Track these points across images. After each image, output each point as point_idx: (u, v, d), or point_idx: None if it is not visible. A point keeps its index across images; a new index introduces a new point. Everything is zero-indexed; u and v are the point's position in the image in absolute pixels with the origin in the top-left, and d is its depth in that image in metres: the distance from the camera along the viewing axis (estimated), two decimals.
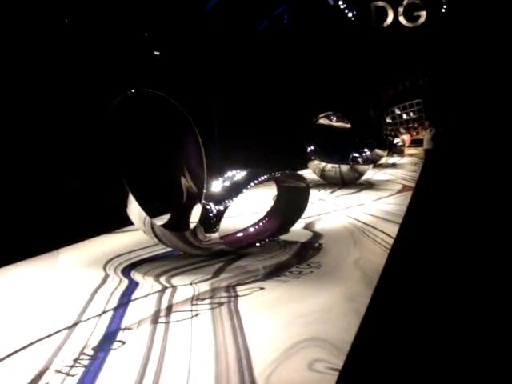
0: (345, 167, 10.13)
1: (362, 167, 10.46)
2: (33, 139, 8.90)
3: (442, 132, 16.78)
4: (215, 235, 4.74)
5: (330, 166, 10.13)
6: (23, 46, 9.48)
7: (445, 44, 25.12)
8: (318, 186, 10.29)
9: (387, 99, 29.17)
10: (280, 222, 5.52)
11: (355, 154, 11.02)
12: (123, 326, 3.28)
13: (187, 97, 15.93)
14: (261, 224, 5.52)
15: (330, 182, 10.46)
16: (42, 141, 9.02)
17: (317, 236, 5.79)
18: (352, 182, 10.41)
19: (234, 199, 4.85)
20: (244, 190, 4.93)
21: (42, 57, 10.14)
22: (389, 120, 28.54)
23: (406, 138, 24.01)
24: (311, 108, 17.16)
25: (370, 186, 10.37)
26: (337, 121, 10.83)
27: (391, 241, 5.42)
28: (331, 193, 9.39)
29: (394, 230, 5.98)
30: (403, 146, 21.04)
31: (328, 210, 7.46)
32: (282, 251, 5.09)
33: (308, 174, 10.86)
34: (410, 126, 28.04)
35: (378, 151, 15.43)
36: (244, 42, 21.43)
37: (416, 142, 25.24)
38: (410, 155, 20.19)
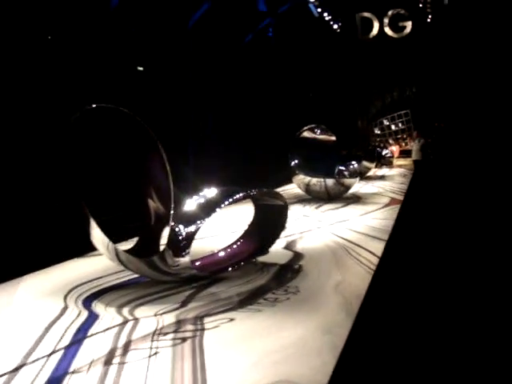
0: (330, 181, 9.82)
1: (348, 180, 10.15)
2: None
3: (431, 142, 16.54)
4: (185, 259, 4.39)
5: (314, 180, 9.81)
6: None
7: (431, 54, 25.05)
8: (303, 201, 9.99)
9: (375, 110, 29.00)
10: (257, 242, 5.18)
11: (341, 167, 10.68)
12: (72, 368, 2.92)
13: (166, 112, 15.64)
14: (236, 245, 5.18)
15: (315, 197, 10.14)
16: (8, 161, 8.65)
17: (297, 257, 5.45)
18: (338, 196, 10.11)
19: (206, 219, 4.52)
20: (217, 210, 4.59)
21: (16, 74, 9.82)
22: (377, 131, 28.39)
23: (395, 148, 23.81)
24: (298, 121, 16.94)
25: (357, 199, 10.06)
26: (321, 133, 10.53)
27: (376, 260, 5.10)
28: (316, 208, 9.05)
29: (379, 247, 5.66)
30: (392, 157, 20.79)
31: (311, 227, 7.12)
32: (258, 275, 4.74)
33: (293, 188, 10.57)
34: (399, 136, 27.93)
35: (365, 163, 15.16)
36: (228, 56, 21.22)
37: (405, 153, 25.09)
38: (399, 166, 19.96)
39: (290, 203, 9.61)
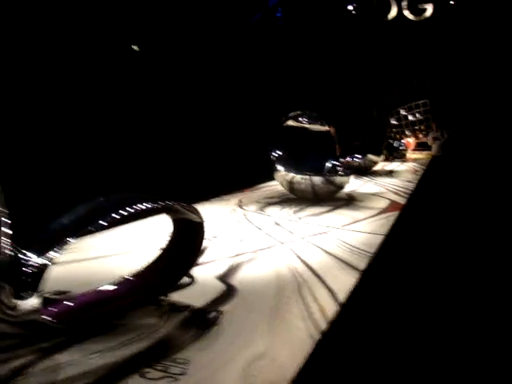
0: (318, 179, 8.09)
1: (339, 179, 8.39)
2: None
3: (450, 136, 14.42)
4: (31, 302, 2.76)
5: (299, 177, 8.07)
6: None
7: (453, 40, 22.91)
8: (285, 201, 8.32)
9: (392, 99, 27.10)
10: (160, 273, 3.48)
11: (334, 162, 8.89)
12: None
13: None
14: (131, 280, 3.47)
15: (301, 197, 8.40)
16: None
17: (226, 294, 3.75)
18: (328, 197, 8.36)
19: (64, 246, 2.85)
20: (92, 229, 2.96)
21: None
22: (394, 121, 26.49)
23: (411, 140, 21.83)
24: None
25: (350, 202, 8.31)
26: (311, 122, 8.73)
27: (333, 309, 3.35)
28: (296, 212, 7.34)
29: (347, 284, 3.91)
30: (405, 149, 18.86)
31: (273, 243, 5.39)
32: (146, 330, 3.04)
33: (276, 185, 8.88)
34: (417, 127, 26.00)
35: (371, 157, 13.33)
36: (234, 35, 19.48)
37: (422, 145, 23.16)
38: (414, 160, 18.05)
39: (268, 203, 7.93)
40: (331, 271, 4.33)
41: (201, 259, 4.62)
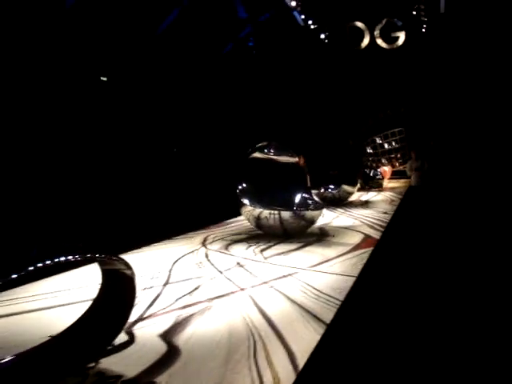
0: (287, 214, 7.57)
1: (310, 213, 7.88)
2: None
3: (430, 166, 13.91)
4: None
5: (266, 212, 7.52)
6: None
7: (427, 67, 22.96)
8: (253, 238, 7.77)
9: (366, 128, 26.96)
10: (88, 334, 2.88)
11: (304, 195, 8.39)
12: None
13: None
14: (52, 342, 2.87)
15: (269, 233, 7.86)
16: None
17: (167, 359, 3.14)
18: (298, 233, 7.83)
19: None
20: None
21: None
22: (370, 150, 26.29)
23: (387, 169, 21.53)
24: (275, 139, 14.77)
25: (322, 237, 7.80)
26: (277, 153, 8.25)
27: (290, 377, 2.77)
28: (262, 251, 6.77)
29: (309, 341, 3.33)
30: (382, 178, 18.50)
31: (232, 288, 4.82)
32: None
33: (244, 221, 8.35)
34: (393, 156, 25.81)
35: (345, 187, 12.87)
36: (206, 66, 19.18)
37: (398, 174, 22.89)
38: (391, 189, 17.68)
39: (234, 240, 7.36)
40: (292, 325, 3.77)
41: (148, 311, 4.04)
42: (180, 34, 18.47)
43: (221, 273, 5.67)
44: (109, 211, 10.38)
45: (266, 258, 6.38)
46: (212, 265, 6.12)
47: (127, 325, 3.42)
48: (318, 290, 4.76)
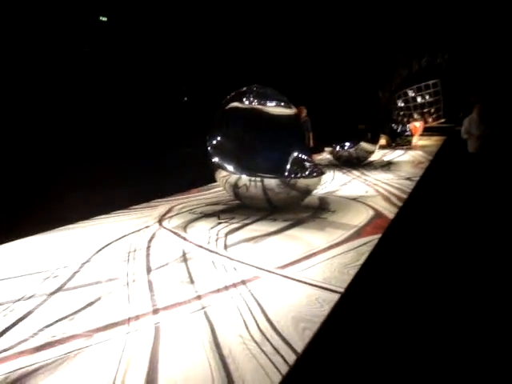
0: (272, 181, 5.56)
1: (303, 181, 5.89)
2: None
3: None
4: None
5: (245, 178, 5.56)
6: None
7: (469, 14, 20.09)
8: (227, 211, 5.95)
9: (400, 80, 24.51)
10: None
11: (302, 156, 6.37)
12: None
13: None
14: None
15: (250, 205, 5.94)
16: None
17: None
18: (289, 205, 5.91)
19: None
20: None
21: None
22: (401, 104, 23.90)
23: (418, 125, 19.12)
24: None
25: (317, 213, 5.87)
26: (263, 102, 6.20)
27: None
28: (230, 233, 4.93)
29: None
30: (411, 135, 16.19)
31: (142, 309, 2.96)
32: None
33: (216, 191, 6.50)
34: (426, 110, 23.40)
35: (364, 145, 10.74)
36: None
37: (430, 130, 20.52)
38: (422, 147, 15.42)
39: (203, 214, 5.49)
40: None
41: None
42: None
43: (148, 273, 3.77)
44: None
45: (226, 248, 4.46)
46: (146, 256, 4.23)
47: None
48: (277, 319, 2.83)
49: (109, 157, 10.73)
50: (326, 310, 3.04)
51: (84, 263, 4.16)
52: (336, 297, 3.24)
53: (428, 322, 3.29)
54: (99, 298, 3.33)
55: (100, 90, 13.38)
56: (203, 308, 3.12)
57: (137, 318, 3.01)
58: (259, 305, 3.14)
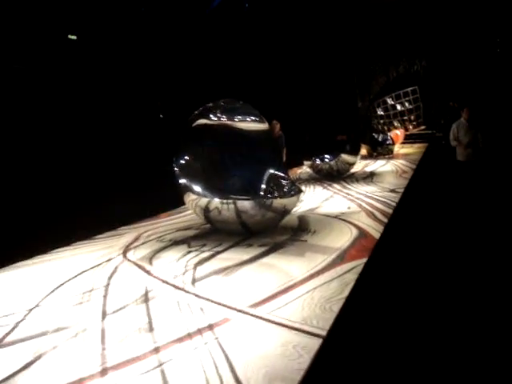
0: (245, 203, 5.06)
1: (280, 201, 5.40)
2: None
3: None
4: None
5: (217, 201, 5.06)
6: None
7: (447, 17, 20.00)
8: (198, 237, 5.48)
9: (378, 88, 24.38)
10: None
11: (278, 173, 5.90)
12: None
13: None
14: None
15: (225, 229, 5.45)
16: None
17: None
18: (265, 228, 5.40)
19: None
20: None
21: None
22: (380, 112, 23.69)
23: (399, 133, 18.88)
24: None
25: (296, 235, 5.33)
26: (232, 118, 5.74)
27: None
28: (200, 263, 4.43)
29: None
30: (392, 144, 15.88)
31: (83, 372, 2.39)
32: None
33: (187, 214, 6.02)
34: (405, 118, 23.23)
35: (344, 157, 10.32)
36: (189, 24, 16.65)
37: (411, 138, 20.32)
38: (404, 156, 15.11)
39: (172, 242, 4.98)
40: None
41: None
42: None
43: (103, 318, 3.24)
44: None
45: (194, 282, 3.94)
46: (103, 297, 3.70)
47: None
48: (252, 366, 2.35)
49: (77, 179, 10.17)
50: (305, 361, 2.55)
51: (31, 309, 3.63)
52: (317, 343, 2.75)
53: (421, 361, 2.83)
54: (39, 357, 2.81)
55: (72, 106, 12.85)
56: (160, 365, 2.61)
57: (80, 382, 2.48)
58: (227, 358, 2.64)
